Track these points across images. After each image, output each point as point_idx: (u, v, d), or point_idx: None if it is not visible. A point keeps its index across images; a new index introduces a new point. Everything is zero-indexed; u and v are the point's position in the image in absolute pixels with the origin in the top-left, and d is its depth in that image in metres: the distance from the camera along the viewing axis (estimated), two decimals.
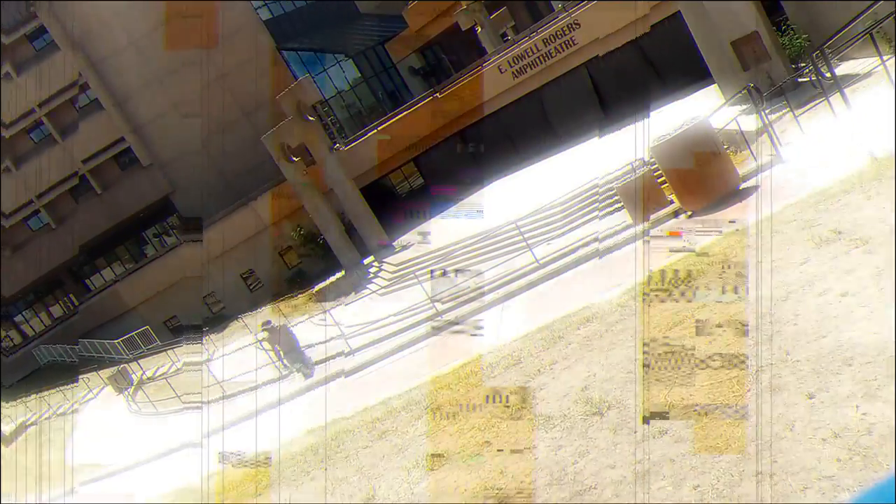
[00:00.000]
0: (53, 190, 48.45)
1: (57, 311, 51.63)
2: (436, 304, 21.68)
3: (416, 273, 25.84)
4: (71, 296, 51.52)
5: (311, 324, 26.08)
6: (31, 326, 51.40)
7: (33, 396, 36.61)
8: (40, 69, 47.17)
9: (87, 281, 51.65)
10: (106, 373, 33.11)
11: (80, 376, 35.38)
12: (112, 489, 20.44)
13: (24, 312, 51.77)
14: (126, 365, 33.27)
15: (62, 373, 40.36)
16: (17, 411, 35.27)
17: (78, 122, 48.06)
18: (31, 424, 33.76)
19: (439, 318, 20.32)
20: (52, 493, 22.83)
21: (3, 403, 36.56)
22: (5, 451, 31.23)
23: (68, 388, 35.82)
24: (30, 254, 48.88)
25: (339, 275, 33.52)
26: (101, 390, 33.15)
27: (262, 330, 20.44)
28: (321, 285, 33.31)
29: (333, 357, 22.05)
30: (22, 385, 43.14)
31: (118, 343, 37.26)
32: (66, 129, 48.37)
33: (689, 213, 16.59)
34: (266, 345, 20.34)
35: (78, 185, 48.92)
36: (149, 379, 31.67)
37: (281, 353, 19.90)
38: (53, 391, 36.24)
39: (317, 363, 22.46)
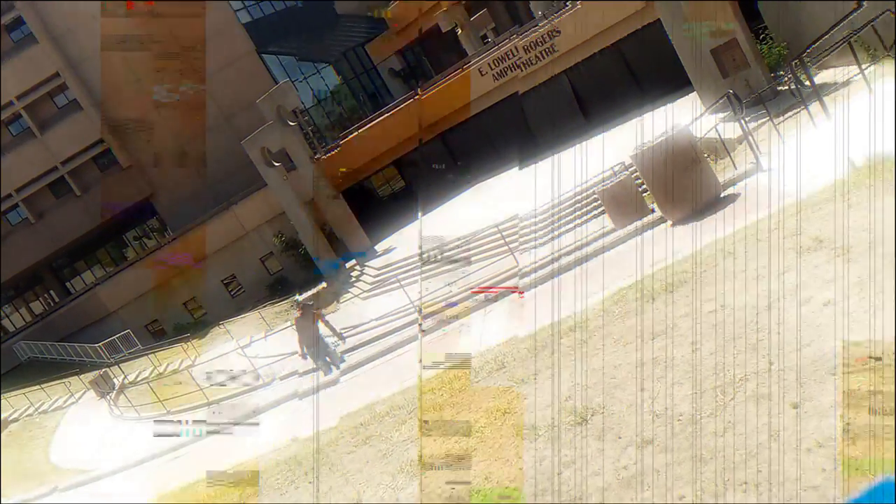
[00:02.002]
0: (33, 184, 47.79)
1: (37, 307, 50.99)
2: (417, 309, 21.71)
3: (398, 277, 25.90)
4: (51, 292, 50.96)
5: (291, 331, 25.92)
6: (10, 322, 50.73)
7: (14, 393, 36.09)
8: (18, 61, 46.51)
9: (68, 284, 51.16)
10: (87, 377, 32.77)
11: (62, 380, 34.99)
12: (92, 495, 20.29)
13: (3, 308, 51.03)
14: (108, 369, 32.96)
15: (44, 369, 39.88)
16: None
17: (57, 117, 47.57)
18: (13, 421, 33.37)
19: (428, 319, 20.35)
20: (32, 493, 22.59)
21: None
22: None
23: (50, 385, 35.40)
24: (9, 249, 48.13)
25: (320, 286, 33.37)
26: (82, 394, 32.85)
27: (296, 307, 19.02)
28: (302, 297, 33.11)
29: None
30: (2, 382, 42.54)
31: (99, 347, 36.96)
32: (46, 124, 47.77)
33: (671, 222, 16.71)
34: (294, 329, 18.87)
35: (58, 186, 48.39)
36: (131, 383, 31.43)
37: (304, 345, 18.35)
38: (35, 387, 35.79)
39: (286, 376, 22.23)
